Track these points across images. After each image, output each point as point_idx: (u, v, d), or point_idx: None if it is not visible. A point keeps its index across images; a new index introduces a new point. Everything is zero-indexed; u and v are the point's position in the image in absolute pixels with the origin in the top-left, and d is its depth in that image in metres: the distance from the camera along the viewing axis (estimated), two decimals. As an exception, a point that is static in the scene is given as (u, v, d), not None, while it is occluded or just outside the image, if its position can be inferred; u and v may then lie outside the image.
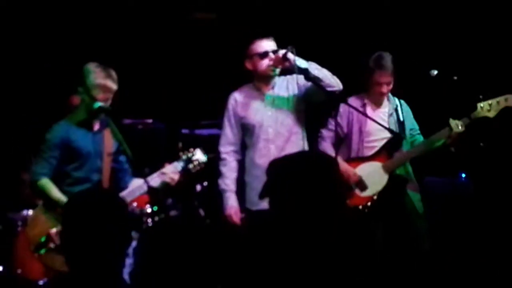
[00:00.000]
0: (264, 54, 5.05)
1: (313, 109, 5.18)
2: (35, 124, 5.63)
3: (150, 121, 6.25)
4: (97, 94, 4.54)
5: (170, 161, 4.72)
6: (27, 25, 6.62)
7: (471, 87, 5.90)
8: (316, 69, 4.92)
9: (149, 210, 5.67)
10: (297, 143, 5.06)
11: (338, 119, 5.46)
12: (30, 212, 5.17)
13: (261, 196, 2.90)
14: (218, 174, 5.16)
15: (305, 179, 2.73)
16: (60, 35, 6.68)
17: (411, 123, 5.54)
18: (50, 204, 4.57)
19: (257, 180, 5.02)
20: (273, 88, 5.15)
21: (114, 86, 4.60)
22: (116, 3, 6.83)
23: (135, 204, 5.54)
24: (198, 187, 6.02)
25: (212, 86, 5.26)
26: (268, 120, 5.08)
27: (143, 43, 6.92)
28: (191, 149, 4.79)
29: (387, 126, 5.39)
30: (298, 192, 2.74)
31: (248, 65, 5.13)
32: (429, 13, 6.71)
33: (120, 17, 6.86)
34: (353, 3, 6.90)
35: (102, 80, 4.56)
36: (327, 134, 5.53)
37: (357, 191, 5.41)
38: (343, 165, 5.42)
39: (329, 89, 4.92)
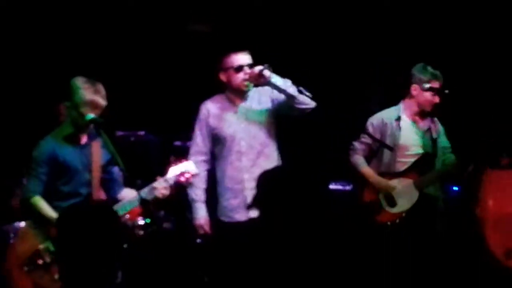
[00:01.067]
0: (239, 69, 5.03)
1: (285, 121, 5.17)
2: (26, 135, 5.62)
3: (142, 133, 6.25)
4: (86, 111, 4.53)
5: (162, 174, 4.70)
6: (16, 40, 6.62)
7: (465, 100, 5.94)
8: (291, 87, 4.90)
9: (141, 222, 5.67)
10: (270, 155, 5.06)
11: (371, 131, 5.47)
12: (22, 224, 5.16)
13: (249, 207, 2.92)
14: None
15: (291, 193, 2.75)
16: (52, 46, 6.68)
17: (444, 141, 5.51)
18: (40, 220, 4.56)
19: (229, 192, 5.04)
20: (245, 100, 5.13)
21: (103, 102, 4.58)
22: (110, 14, 6.83)
23: (127, 216, 5.53)
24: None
25: (205, 98, 5.26)
26: (240, 132, 5.06)
27: (136, 54, 6.93)
28: (183, 161, 4.76)
29: (422, 142, 5.40)
30: (287, 203, 2.76)
31: (222, 77, 5.10)
32: (427, 17, 6.73)
33: (115, 28, 6.87)
34: (352, 6, 6.90)
35: (91, 97, 4.53)
36: (359, 147, 5.51)
37: (387, 207, 5.39)
38: (375, 177, 5.43)
39: (302, 106, 4.90)
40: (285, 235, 2.82)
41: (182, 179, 4.69)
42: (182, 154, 5.30)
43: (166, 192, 4.65)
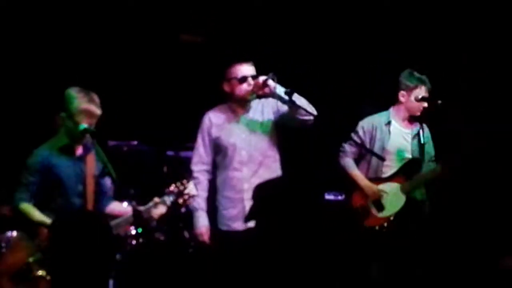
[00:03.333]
0: (243, 79, 5.09)
1: (287, 133, 5.21)
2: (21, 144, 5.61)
3: (135, 143, 6.25)
4: (82, 120, 4.55)
5: (158, 187, 4.69)
6: (13, 52, 6.63)
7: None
8: (295, 98, 4.94)
9: (133, 232, 5.66)
10: (270, 166, 5.10)
11: (361, 134, 5.51)
12: (14, 233, 5.15)
13: (247, 219, 2.94)
14: None
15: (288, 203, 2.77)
16: (46, 57, 6.68)
17: (430, 148, 5.56)
18: (31, 229, 4.55)
19: (229, 201, 5.09)
20: (248, 111, 5.18)
21: (98, 111, 4.60)
22: (104, 26, 6.84)
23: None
24: (183, 209, 6.01)
25: (198, 108, 5.28)
26: (242, 142, 5.11)
27: (129, 65, 6.93)
28: (184, 182, 4.75)
29: (410, 147, 5.44)
30: (282, 214, 2.78)
31: (226, 88, 5.16)
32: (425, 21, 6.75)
33: (107, 39, 6.87)
34: (351, 9, 6.92)
35: (86, 106, 4.56)
36: (349, 149, 5.59)
37: (374, 211, 5.43)
38: (364, 181, 5.47)
39: (304, 117, 4.94)
40: (279, 245, 2.84)
41: (180, 200, 4.71)
42: (175, 164, 5.32)
43: (162, 212, 4.66)
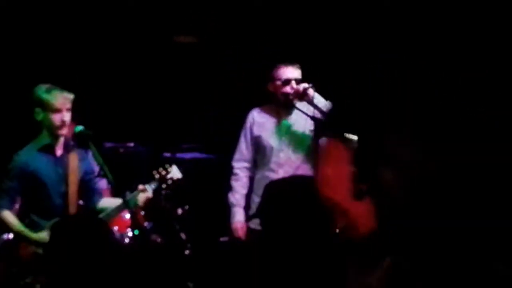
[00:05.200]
0: (287, 82, 5.09)
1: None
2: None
3: (131, 144, 6.24)
4: (54, 110, 4.48)
5: (144, 182, 4.70)
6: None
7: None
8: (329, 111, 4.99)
9: (130, 234, 5.65)
10: (307, 172, 5.10)
11: None
12: (11, 236, 5.13)
13: (251, 217, 2.96)
14: (229, 188, 5.22)
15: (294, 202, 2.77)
16: (40, 58, 6.66)
17: None
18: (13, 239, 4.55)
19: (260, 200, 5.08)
20: (291, 114, 5.18)
21: (67, 94, 4.54)
22: (97, 27, 6.83)
23: (116, 228, 5.52)
24: (180, 211, 6.01)
25: (193, 109, 5.27)
26: (280, 144, 5.14)
27: (124, 66, 6.92)
28: (167, 166, 4.77)
29: None
30: (287, 214, 2.78)
31: (270, 88, 5.17)
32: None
33: (104, 41, 6.86)
34: (352, 9, 6.90)
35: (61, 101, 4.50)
36: None
37: None
38: None
39: None
40: (282, 247, 2.83)
41: (164, 185, 4.73)
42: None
43: (147, 198, 4.66)
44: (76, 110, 5.20)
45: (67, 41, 6.74)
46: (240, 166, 5.21)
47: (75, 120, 5.16)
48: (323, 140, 5.14)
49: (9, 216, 4.56)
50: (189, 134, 5.60)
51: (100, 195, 4.84)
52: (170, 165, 4.80)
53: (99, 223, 3.07)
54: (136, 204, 4.68)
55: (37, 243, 4.47)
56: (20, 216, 4.64)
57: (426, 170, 5.39)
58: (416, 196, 5.38)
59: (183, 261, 5.91)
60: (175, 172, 4.78)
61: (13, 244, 4.57)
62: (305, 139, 5.15)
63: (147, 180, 4.75)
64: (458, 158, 5.51)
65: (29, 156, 4.59)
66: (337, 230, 5.22)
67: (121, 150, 6.16)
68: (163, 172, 4.75)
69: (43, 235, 4.45)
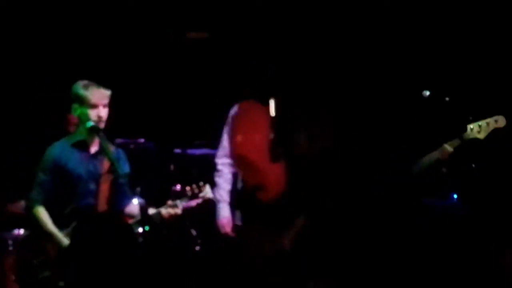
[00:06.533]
0: None
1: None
2: (27, 141, 5.60)
3: (142, 140, 6.25)
4: (93, 106, 4.44)
5: (174, 198, 4.54)
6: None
7: (463, 108, 5.95)
8: None
9: (140, 229, 5.65)
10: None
11: None
12: (21, 231, 5.12)
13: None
14: (214, 185, 5.19)
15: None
16: (51, 54, 6.69)
17: None
18: (39, 231, 4.48)
19: None
20: None
21: (105, 91, 4.51)
22: (108, 23, 6.84)
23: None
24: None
25: (204, 106, 5.28)
26: None
27: (135, 62, 6.93)
28: (201, 184, 4.59)
29: None
30: None
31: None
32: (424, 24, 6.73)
33: (114, 37, 6.88)
34: (352, 9, 6.91)
35: (96, 89, 4.46)
36: None
37: None
38: None
39: None
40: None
41: (194, 204, 4.58)
42: (182, 162, 5.31)
43: (174, 214, 4.51)
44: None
45: (79, 37, 6.77)
46: (224, 162, 5.22)
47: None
48: (234, 108, 5.19)
49: (43, 214, 4.44)
50: (199, 130, 5.59)
51: (130, 199, 4.65)
52: (204, 184, 4.62)
53: (124, 226, 3.02)
54: (162, 220, 4.54)
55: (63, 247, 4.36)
56: (53, 212, 4.51)
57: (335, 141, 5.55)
58: (325, 162, 5.44)
59: (193, 257, 5.92)
60: (208, 191, 4.60)
61: (39, 238, 4.44)
62: None
63: (176, 193, 4.58)
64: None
65: (62, 150, 4.50)
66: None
67: (132, 146, 6.16)
68: (196, 190, 4.58)
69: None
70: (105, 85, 4.59)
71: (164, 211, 4.51)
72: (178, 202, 4.53)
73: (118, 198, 4.58)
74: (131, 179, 4.42)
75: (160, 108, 6.93)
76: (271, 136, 5.14)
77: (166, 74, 7.02)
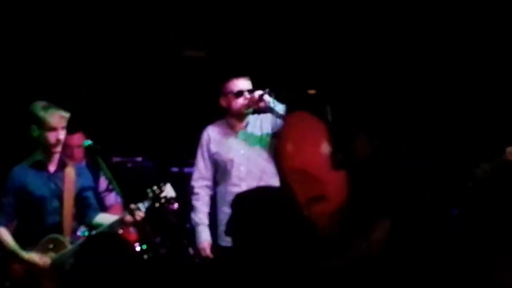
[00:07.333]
0: (239, 94, 5.13)
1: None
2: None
3: (139, 159, 6.25)
4: (51, 128, 4.50)
5: (135, 201, 4.65)
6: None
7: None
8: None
9: (137, 248, 5.65)
10: (269, 182, 5.09)
11: None
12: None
13: (226, 233, 2.94)
14: (191, 208, 5.21)
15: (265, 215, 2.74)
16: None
17: None
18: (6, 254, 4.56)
19: (228, 216, 5.05)
20: (246, 126, 5.21)
21: (63, 113, 4.56)
22: (104, 41, 6.85)
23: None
24: (187, 225, 6.00)
25: (201, 124, 5.28)
26: (240, 158, 5.14)
27: (132, 81, 6.94)
28: (161, 185, 4.72)
29: None
30: (259, 228, 2.75)
31: (223, 102, 5.20)
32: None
33: (110, 55, 6.88)
34: (354, 17, 6.92)
35: (54, 112, 4.52)
36: None
37: None
38: None
39: None
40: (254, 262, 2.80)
41: (157, 204, 4.67)
42: (179, 180, 5.31)
43: (135, 219, 4.59)
44: (85, 125, 5.23)
45: (75, 54, 6.77)
46: (201, 185, 5.19)
47: (84, 134, 5.18)
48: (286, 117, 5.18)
49: (4, 234, 4.58)
50: (196, 148, 5.56)
51: (97, 210, 4.83)
52: (165, 183, 4.75)
53: (121, 243, 3.03)
54: (124, 225, 4.70)
55: (28, 263, 4.50)
56: (16, 233, 4.65)
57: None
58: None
59: (190, 274, 5.90)
60: (169, 191, 4.72)
61: (5, 260, 4.58)
62: (264, 148, 5.16)
63: (140, 198, 4.70)
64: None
65: (21, 172, 4.62)
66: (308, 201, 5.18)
67: (129, 164, 6.17)
68: (157, 191, 4.70)
69: (33, 255, 4.52)
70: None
71: (128, 216, 4.57)
72: (140, 205, 4.62)
73: (84, 213, 4.74)
74: (96, 192, 4.45)
75: (158, 126, 6.94)
76: (328, 145, 5.12)
77: (164, 93, 7.03)
